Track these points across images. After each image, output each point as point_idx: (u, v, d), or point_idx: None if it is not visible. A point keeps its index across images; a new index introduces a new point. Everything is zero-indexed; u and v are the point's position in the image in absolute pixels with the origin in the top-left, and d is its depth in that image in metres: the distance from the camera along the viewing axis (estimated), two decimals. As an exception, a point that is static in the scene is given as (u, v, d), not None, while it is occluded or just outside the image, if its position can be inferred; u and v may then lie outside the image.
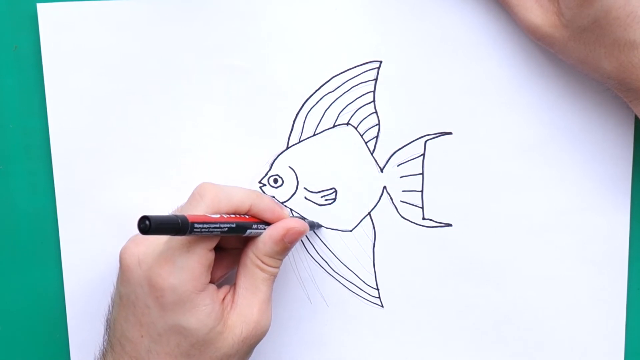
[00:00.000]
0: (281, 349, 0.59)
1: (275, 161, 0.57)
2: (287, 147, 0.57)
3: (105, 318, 0.55)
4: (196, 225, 0.47)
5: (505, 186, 0.57)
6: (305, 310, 0.59)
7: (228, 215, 0.51)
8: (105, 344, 0.54)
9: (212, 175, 0.57)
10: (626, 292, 0.58)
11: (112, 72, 0.56)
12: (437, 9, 0.55)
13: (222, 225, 0.49)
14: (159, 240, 0.51)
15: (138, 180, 0.57)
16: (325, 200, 0.57)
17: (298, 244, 0.58)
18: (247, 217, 0.52)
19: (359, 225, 0.58)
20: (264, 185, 0.57)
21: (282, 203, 0.57)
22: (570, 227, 0.57)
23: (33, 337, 0.60)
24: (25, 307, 0.59)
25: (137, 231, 0.57)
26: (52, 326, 0.59)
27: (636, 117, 0.55)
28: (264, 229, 0.53)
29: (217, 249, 0.52)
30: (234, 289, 0.53)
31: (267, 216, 0.53)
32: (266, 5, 0.55)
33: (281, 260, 0.53)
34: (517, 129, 0.56)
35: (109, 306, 0.55)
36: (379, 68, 0.56)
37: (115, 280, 0.54)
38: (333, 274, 0.58)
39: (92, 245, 0.58)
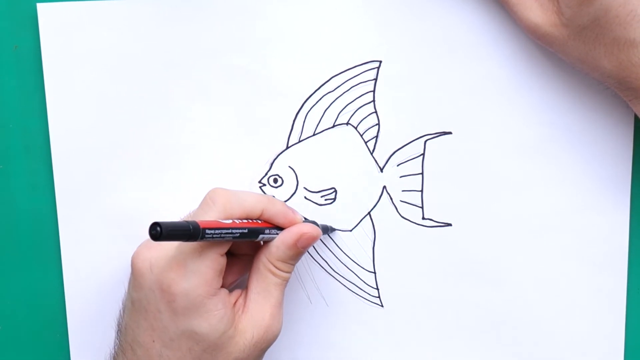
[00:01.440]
0: (281, 349, 0.59)
1: (275, 161, 0.57)
2: (287, 147, 0.57)
3: (117, 322, 0.55)
4: (208, 231, 0.47)
5: (505, 186, 0.57)
6: (305, 310, 0.59)
7: (240, 221, 0.51)
8: (116, 348, 0.54)
9: (213, 175, 0.57)
10: (626, 292, 0.58)
11: (112, 72, 0.56)
12: (437, 9, 0.55)
13: (233, 231, 0.49)
14: (171, 245, 0.51)
15: (138, 180, 0.57)
16: (325, 200, 0.57)
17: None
18: (259, 222, 0.52)
19: (359, 225, 0.58)
20: (264, 185, 0.57)
21: (282, 203, 0.57)
22: (570, 227, 0.57)
23: (33, 337, 0.60)
24: (25, 307, 0.59)
25: (137, 230, 0.57)
26: (52, 326, 0.59)
27: (636, 116, 0.55)
28: (277, 234, 0.53)
29: (229, 255, 0.52)
30: (246, 293, 0.53)
31: (279, 221, 0.53)
32: (266, 5, 0.55)
33: (294, 264, 0.53)
34: (517, 128, 0.56)
35: (120, 310, 0.55)
36: (378, 68, 0.56)
37: (126, 283, 0.54)
38: (333, 273, 0.58)
39: (92, 245, 0.58)
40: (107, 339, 0.59)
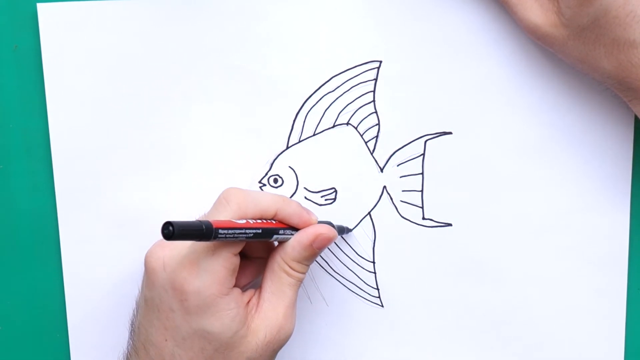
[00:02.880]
0: (281, 349, 0.59)
1: (275, 161, 0.57)
2: (287, 147, 0.57)
3: (130, 322, 0.55)
4: (221, 231, 0.47)
5: (505, 186, 0.57)
6: (305, 310, 0.59)
7: (254, 221, 0.51)
8: (129, 348, 0.54)
9: (213, 175, 0.57)
10: (626, 292, 0.58)
11: (112, 72, 0.56)
12: (437, 9, 0.55)
13: (247, 231, 0.49)
14: (185, 244, 0.50)
15: (138, 180, 0.57)
16: (325, 200, 0.57)
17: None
18: (274, 222, 0.52)
19: (359, 225, 0.58)
20: (264, 185, 0.57)
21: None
22: (570, 227, 0.57)
23: (33, 337, 0.60)
24: (25, 307, 0.59)
25: (137, 230, 0.57)
26: (52, 326, 0.59)
27: (636, 117, 0.55)
28: (292, 234, 0.52)
29: (243, 257, 0.52)
30: (259, 293, 0.53)
31: (294, 221, 0.53)
32: (266, 5, 0.55)
33: (308, 265, 0.53)
34: (517, 129, 0.56)
35: (134, 310, 0.55)
36: (378, 68, 0.56)
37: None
38: (333, 273, 0.58)
39: (92, 245, 0.58)
40: (108, 339, 0.59)
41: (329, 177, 0.57)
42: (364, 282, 0.58)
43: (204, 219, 0.50)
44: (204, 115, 0.56)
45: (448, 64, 0.55)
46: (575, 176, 0.56)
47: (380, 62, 0.56)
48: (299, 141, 0.57)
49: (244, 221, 0.50)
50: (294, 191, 0.57)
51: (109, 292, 0.58)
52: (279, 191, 0.57)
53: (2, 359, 0.60)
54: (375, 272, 0.58)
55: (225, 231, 0.48)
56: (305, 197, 0.57)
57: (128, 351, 0.54)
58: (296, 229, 0.53)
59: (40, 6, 0.55)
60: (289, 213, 0.52)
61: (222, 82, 0.56)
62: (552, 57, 0.54)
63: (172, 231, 0.45)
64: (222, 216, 0.50)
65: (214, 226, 0.47)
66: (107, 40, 0.55)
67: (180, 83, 0.56)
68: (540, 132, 0.56)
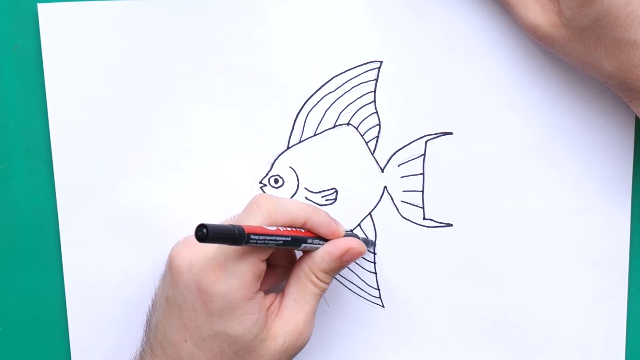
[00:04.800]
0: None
1: (276, 161, 0.57)
2: (288, 147, 0.57)
3: (146, 319, 0.55)
4: (252, 236, 0.47)
5: (506, 186, 0.57)
6: (306, 311, 0.59)
7: (284, 228, 0.51)
8: (144, 345, 0.54)
9: (213, 176, 0.57)
10: (626, 292, 0.58)
11: (113, 72, 0.56)
12: (437, 9, 0.55)
13: (277, 238, 0.49)
14: (212, 246, 0.50)
15: (139, 180, 0.57)
16: (326, 200, 0.57)
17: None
18: (302, 230, 0.52)
19: (360, 225, 0.58)
20: (265, 185, 0.57)
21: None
22: (570, 227, 0.57)
23: (33, 337, 0.60)
24: (26, 308, 0.59)
25: (137, 230, 0.57)
26: (52, 326, 0.59)
27: (637, 117, 0.55)
28: (319, 244, 0.53)
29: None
30: (282, 298, 0.53)
31: (322, 231, 0.53)
32: (266, 5, 0.55)
33: (333, 277, 0.53)
34: (518, 129, 0.56)
35: (150, 307, 0.55)
36: (379, 68, 0.56)
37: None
38: (334, 274, 0.59)
39: (93, 246, 0.58)
40: (109, 339, 0.59)
41: (330, 177, 0.57)
42: (365, 282, 0.58)
43: (235, 223, 0.50)
44: (205, 116, 0.56)
45: (449, 64, 0.55)
46: (575, 176, 0.57)
47: (381, 62, 0.56)
48: (300, 141, 0.57)
49: (274, 228, 0.50)
50: (294, 191, 0.57)
51: (109, 292, 0.58)
52: (279, 191, 0.57)
53: (2, 359, 0.60)
54: (376, 273, 0.58)
55: (257, 237, 0.48)
56: (306, 198, 0.57)
57: (142, 349, 0.54)
58: (323, 239, 0.53)
59: (40, 6, 0.55)
60: (318, 222, 0.52)
61: (222, 82, 0.56)
62: (553, 58, 0.54)
63: (205, 234, 0.45)
64: (252, 221, 0.50)
65: (246, 231, 0.47)
66: (108, 40, 0.55)
67: (181, 83, 0.56)
68: (541, 132, 0.56)
